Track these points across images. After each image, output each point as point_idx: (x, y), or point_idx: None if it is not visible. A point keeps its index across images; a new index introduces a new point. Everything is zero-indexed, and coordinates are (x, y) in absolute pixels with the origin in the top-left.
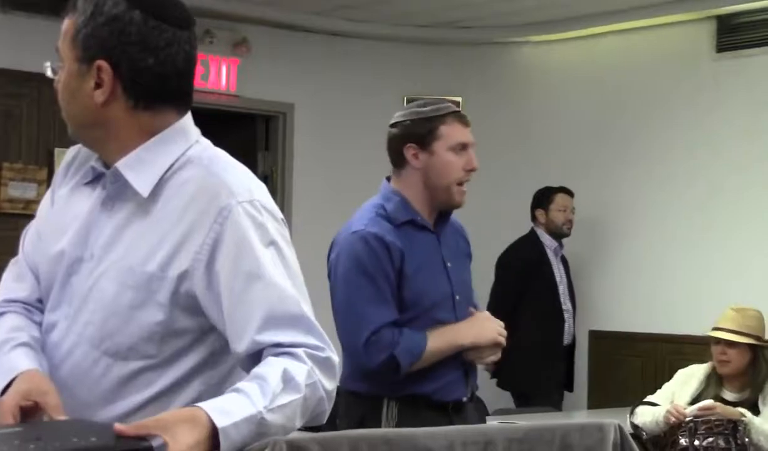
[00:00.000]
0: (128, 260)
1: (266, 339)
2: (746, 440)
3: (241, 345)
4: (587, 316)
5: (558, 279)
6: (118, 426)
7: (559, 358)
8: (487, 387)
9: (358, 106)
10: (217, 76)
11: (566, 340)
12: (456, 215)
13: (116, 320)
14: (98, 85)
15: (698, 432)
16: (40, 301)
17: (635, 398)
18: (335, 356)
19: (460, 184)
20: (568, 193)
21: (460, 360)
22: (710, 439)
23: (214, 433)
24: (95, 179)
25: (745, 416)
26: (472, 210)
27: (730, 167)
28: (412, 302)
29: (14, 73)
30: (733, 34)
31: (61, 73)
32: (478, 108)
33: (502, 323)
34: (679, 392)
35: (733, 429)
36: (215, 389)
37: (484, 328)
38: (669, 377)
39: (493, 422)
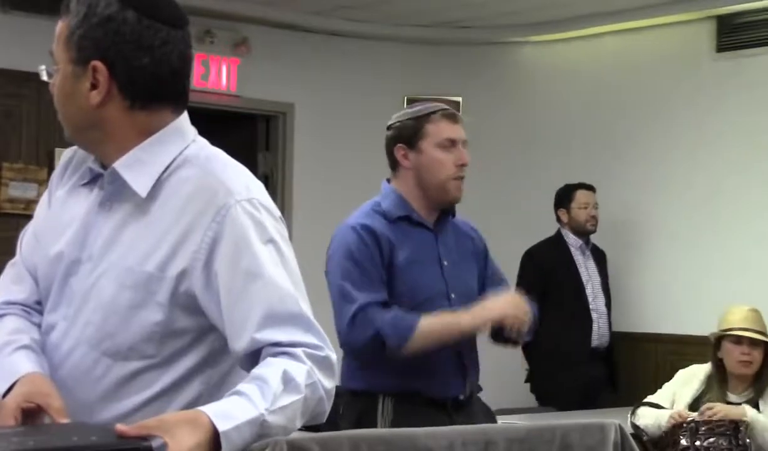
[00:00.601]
0: (127, 260)
1: (265, 337)
2: (747, 440)
3: (239, 344)
4: None
5: (585, 278)
6: (120, 426)
7: (584, 360)
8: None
9: (359, 106)
10: (218, 76)
11: (595, 342)
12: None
13: (115, 320)
14: (94, 86)
15: (699, 432)
16: (38, 303)
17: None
18: (334, 355)
19: (456, 179)
20: (590, 188)
21: (457, 356)
22: (711, 439)
23: (215, 437)
24: (92, 180)
25: (746, 416)
26: (471, 210)
27: (730, 167)
28: (403, 295)
29: (14, 73)
30: (734, 34)
31: (56, 76)
32: (478, 108)
33: (514, 299)
34: (680, 393)
35: (735, 430)
36: (215, 389)
37: (485, 308)
38: (670, 377)
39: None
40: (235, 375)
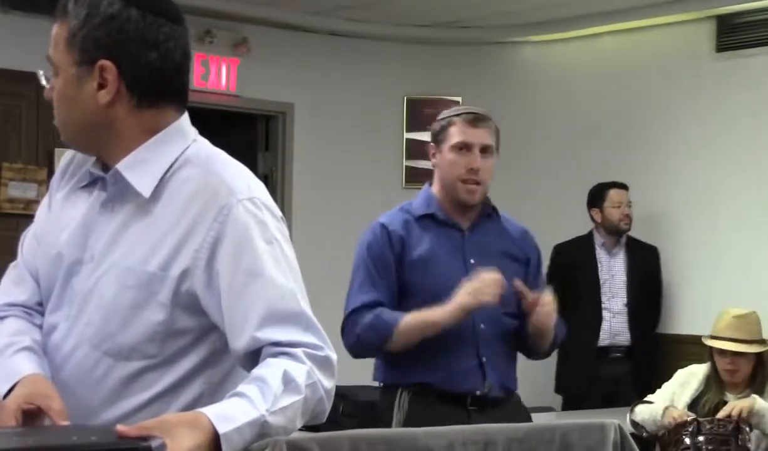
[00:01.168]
0: (128, 260)
1: (265, 336)
2: (749, 443)
3: (240, 342)
4: None
5: (605, 278)
6: (120, 427)
7: (589, 360)
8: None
9: (358, 106)
10: (217, 76)
11: (606, 341)
12: None
13: (117, 320)
14: (101, 86)
15: (702, 432)
16: (40, 304)
17: None
18: (334, 355)
19: (465, 182)
20: (622, 187)
21: (475, 351)
22: (712, 439)
23: (216, 438)
24: (91, 183)
25: (755, 405)
26: None
27: (730, 167)
28: (415, 288)
29: (14, 73)
30: (733, 33)
31: (55, 80)
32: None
33: (476, 282)
34: (679, 393)
35: (736, 430)
36: (216, 389)
37: (457, 296)
38: None
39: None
40: (236, 375)
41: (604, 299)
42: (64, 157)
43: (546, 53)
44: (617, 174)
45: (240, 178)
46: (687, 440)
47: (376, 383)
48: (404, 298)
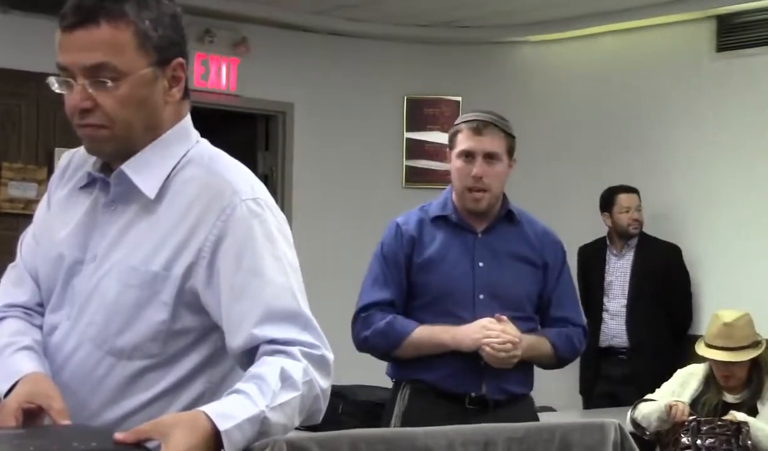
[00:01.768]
0: (131, 259)
1: (262, 334)
2: (749, 442)
3: (237, 340)
4: None
5: (609, 279)
6: (118, 435)
7: (589, 360)
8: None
9: (358, 106)
10: (217, 75)
11: (605, 343)
12: None
13: (120, 320)
14: (172, 84)
15: (701, 432)
16: (40, 305)
17: None
18: (330, 355)
19: (471, 190)
20: (632, 191)
21: (475, 353)
22: (712, 439)
23: (216, 436)
24: (90, 183)
25: (747, 425)
26: None
27: (730, 167)
28: (422, 289)
29: (14, 72)
30: (733, 33)
31: (116, 85)
32: (478, 107)
33: (498, 331)
34: (678, 392)
35: (736, 430)
36: (217, 388)
37: (469, 331)
38: None
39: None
40: (236, 375)
41: (605, 300)
42: (64, 158)
43: (546, 53)
44: (616, 173)
45: (243, 179)
46: (686, 440)
47: (375, 383)
48: (412, 297)
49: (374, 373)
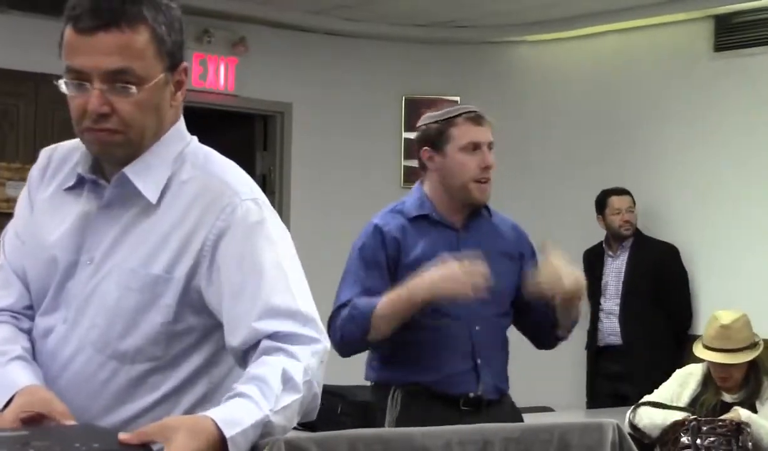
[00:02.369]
0: (130, 262)
1: (263, 328)
2: (749, 444)
3: (237, 337)
4: None
5: (605, 280)
6: (122, 436)
7: (589, 360)
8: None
9: (356, 106)
10: (215, 75)
11: (603, 340)
12: None
13: (122, 323)
14: (179, 87)
15: (701, 432)
16: (27, 307)
17: None
18: (329, 344)
19: (479, 181)
20: (623, 193)
21: (469, 352)
22: (712, 439)
23: (221, 442)
24: (78, 184)
25: (749, 426)
26: None
27: (727, 165)
28: None
29: (12, 72)
30: (732, 33)
31: (137, 91)
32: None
33: (448, 269)
34: (678, 392)
35: (737, 431)
36: (217, 388)
37: (433, 274)
38: None
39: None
40: (236, 374)
41: (601, 300)
42: (42, 156)
43: (543, 53)
44: (614, 173)
45: (241, 180)
46: (686, 440)
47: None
48: None
49: None
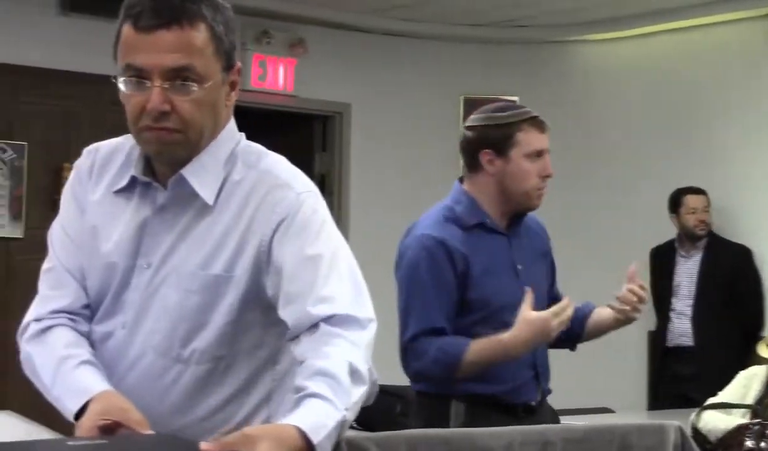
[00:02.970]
0: (188, 265)
1: (318, 313)
2: None
3: (292, 318)
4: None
5: (677, 281)
6: (204, 446)
7: (660, 359)
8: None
9: (415, 106)
10: (275, 76)
11: (672, 342)
12: None
13: (185, 326)
14: (233, 87)
15: (765, 436)
16: (85, 306)
17: None
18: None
19: (540, 189)
20: (699, 192)
21: (532, 362)
22: None
23: (306, 449)
24: (129, 186)
25: None
26: None
27: None
28: (479, 304)
29: (74, 74)
30: None
31: (199, 90)
32: (535, 108)
33: (549, 313)
34: (742, 395)
35: None
36: (280, 385)
37: (541, 330)
38: None
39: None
40: (295, 369)
41: (673, 300)
42: (86, 158)
43: (603, 52)
44: (677, 174)
45: (294, 175)
46: (750, 444)
47: None
48: (466, 313)
49: None
